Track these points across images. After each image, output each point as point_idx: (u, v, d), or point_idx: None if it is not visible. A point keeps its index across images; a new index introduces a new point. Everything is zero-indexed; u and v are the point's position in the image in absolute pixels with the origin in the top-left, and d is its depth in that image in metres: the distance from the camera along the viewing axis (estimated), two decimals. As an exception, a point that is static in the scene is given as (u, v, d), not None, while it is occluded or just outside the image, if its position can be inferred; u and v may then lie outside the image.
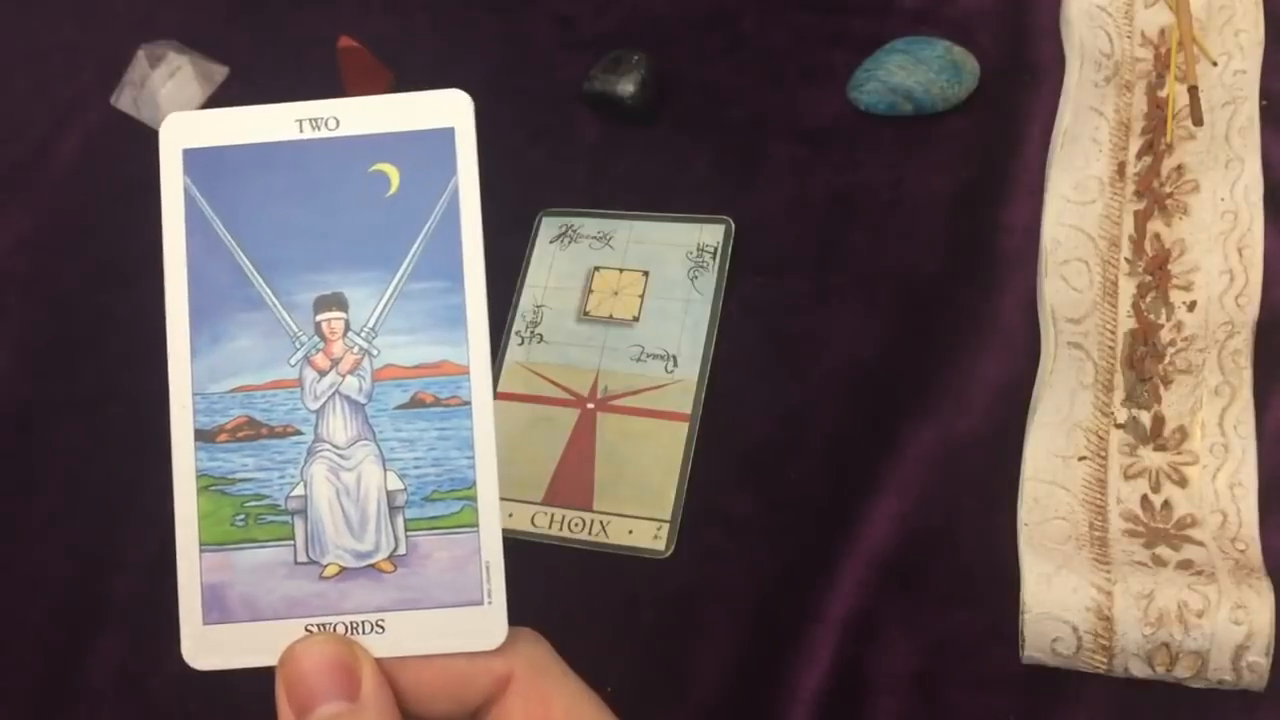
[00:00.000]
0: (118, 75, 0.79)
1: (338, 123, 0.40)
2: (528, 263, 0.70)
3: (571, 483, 0.63)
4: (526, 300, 0.68)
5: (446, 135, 0.40)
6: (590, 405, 0.65)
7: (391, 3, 0.81)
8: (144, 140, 0.76)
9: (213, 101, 0.77)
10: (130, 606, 0.63)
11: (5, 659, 0.62)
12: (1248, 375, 0.59)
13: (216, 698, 0.57)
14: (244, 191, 0.39)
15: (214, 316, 0.39)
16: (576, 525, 0.62)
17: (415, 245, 0.39)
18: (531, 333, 0.67)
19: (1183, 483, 0.57)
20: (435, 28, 0.80)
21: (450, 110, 0.40)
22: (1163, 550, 0.55)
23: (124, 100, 0.78)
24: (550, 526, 0.62)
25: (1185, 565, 0.54)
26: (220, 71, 0.79)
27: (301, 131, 0.40)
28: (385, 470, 0.39)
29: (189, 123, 0.40)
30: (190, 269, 0.39)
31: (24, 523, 0.66)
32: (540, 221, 0.71)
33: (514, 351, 0.67)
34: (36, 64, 0.83)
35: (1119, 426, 0.59)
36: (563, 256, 0.69)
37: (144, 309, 0.69)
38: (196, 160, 0.40)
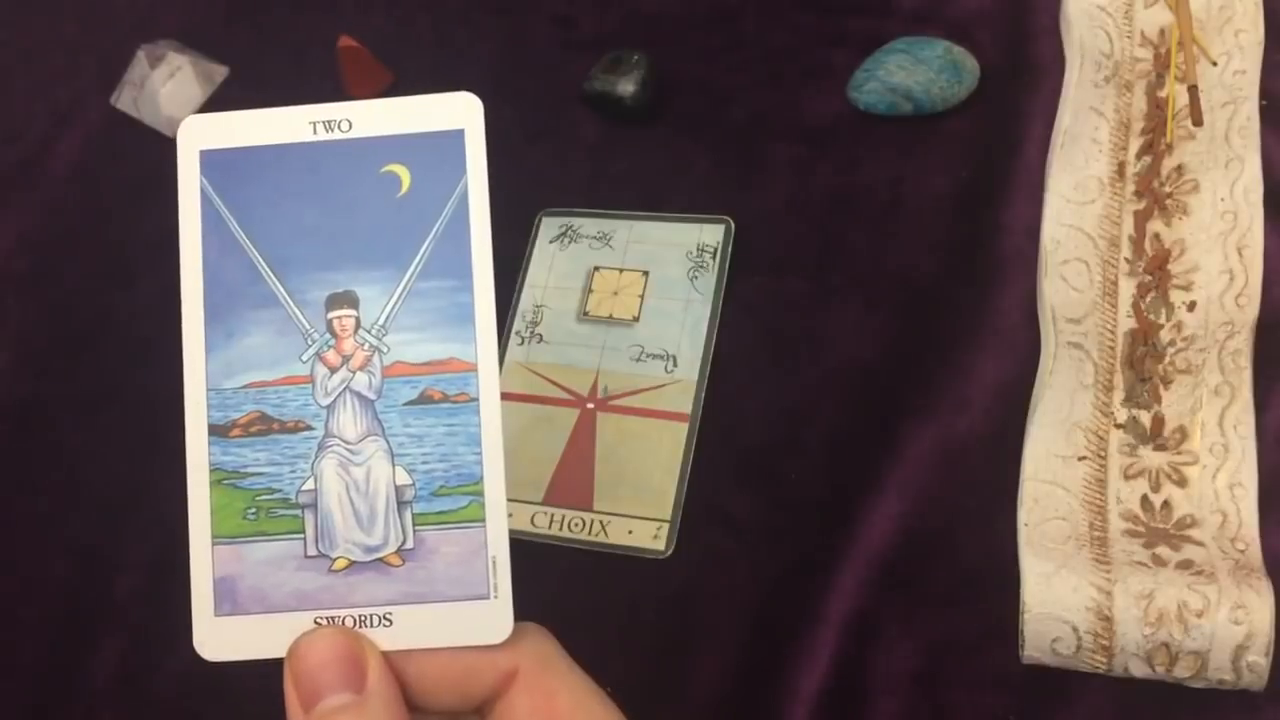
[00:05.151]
0: (118, 75, 0.79)
1: (350, 125, 0.40)
2: (528, 263, 0.70)
3: (571, 483, 0.63)
4: (526, 300, 0.68)
5: (456, 137, 0.40)
6: (590, 405, 0.65)
7: (391, 3, 0.81)
8: (144, 140, 0.77)
9: (213, 101, 0.77)
10: (130, 606, 0.63)
11: (5, 659, 0.62)
12: (1248, 375, 0.59)
13: (217, 697, 0.57)
14: (258, 191, 0.40)
15: (228, 313, 0.40)
16: (576, 525, 0.62)
17: (425, 244, 0.40)
18: (531, 333, 0.67)
19: (1183, 483, 0.57)
20: (435, 28, 0.80)
21: (460, 112, 0.40)
22: (1163, 550, 0.55)
23: (124, 100, 0.78)
24: (550, 526, 0.62)
25: (1185, 565, 0.54)
26: (220, 71, 0.79)
27: (315, 133, 0.40)
28: (394, 465, 0.39)
29: (206, 125, 0.41)
30: (205, 267, 0.40)
31: (24, 523, 0.66)
32: (540, 221, 0.71)
33: (514, 351, 0.67)
34: (36, 64, 0.83)
35: (1119, 426, 0.59)
36: (563, 256, 0.69)
37: (144, 309, 0.70)
38: (213, 161, 0.40)
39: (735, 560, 0.60)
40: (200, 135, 0.41)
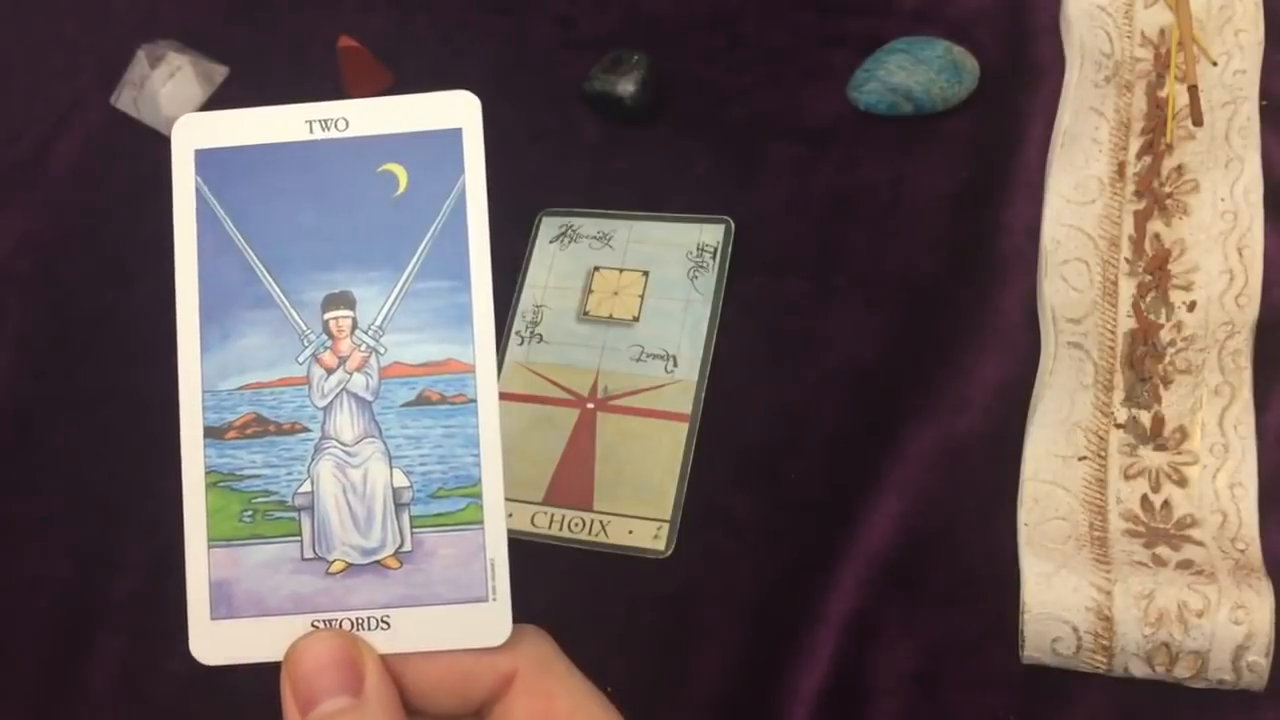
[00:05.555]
0: (118, 75, 0.79)
1: (347, 123, 0.40)
2: (528, 263, 0.70)
3: (571, 483, 0.63)
4: (526, 300, 0.68)
5: (454, 136, 0.40)
6: (590, 405, 0.65)
7: (391, 3, 0.81)
8: (144, 140, 0.77)
9: (213, 101, 0.77)
10: (130, 606, 0.63)
11: (5, 659, 0.62)
12: (1248, 375, 0.59)
13: (217, 698, 0.57)
14: (254, 191, 0.40)
15: (223, 314, 0.39)
16: (576, 525, 0.62)
17: (422, 244, 0.39)
18: (531, 333, 0.67)
19: (1183, 483, 0.57)
20: (435, 28, 0.80)
21: (458, 111, 0.40)
22: (1163, 550, 0.55)
23: (124, 100, 0.78)
24: (550, 526, 0.62)
25: (1185, 565, 0.54)
26: (220, 71, 0.79)
27: (311, 132, 0.40)
28: (391, 467, 0.39)
29: (201, 124, 0.40)
30: (200, 267, 0.40)
31: (24, 523, 0.66)
32: (540, 221, 0.71)
33: (514, 351, 0.67)
34: (36, 64, 0.83)
35: (1119, 426, 0.59)
36: (563, 256, 0.69)
37: (144, 309, 0.70)
38: (208, 160, 0.40)
39: (735, 560, 0.60)
40: (195, 134, 0.40)
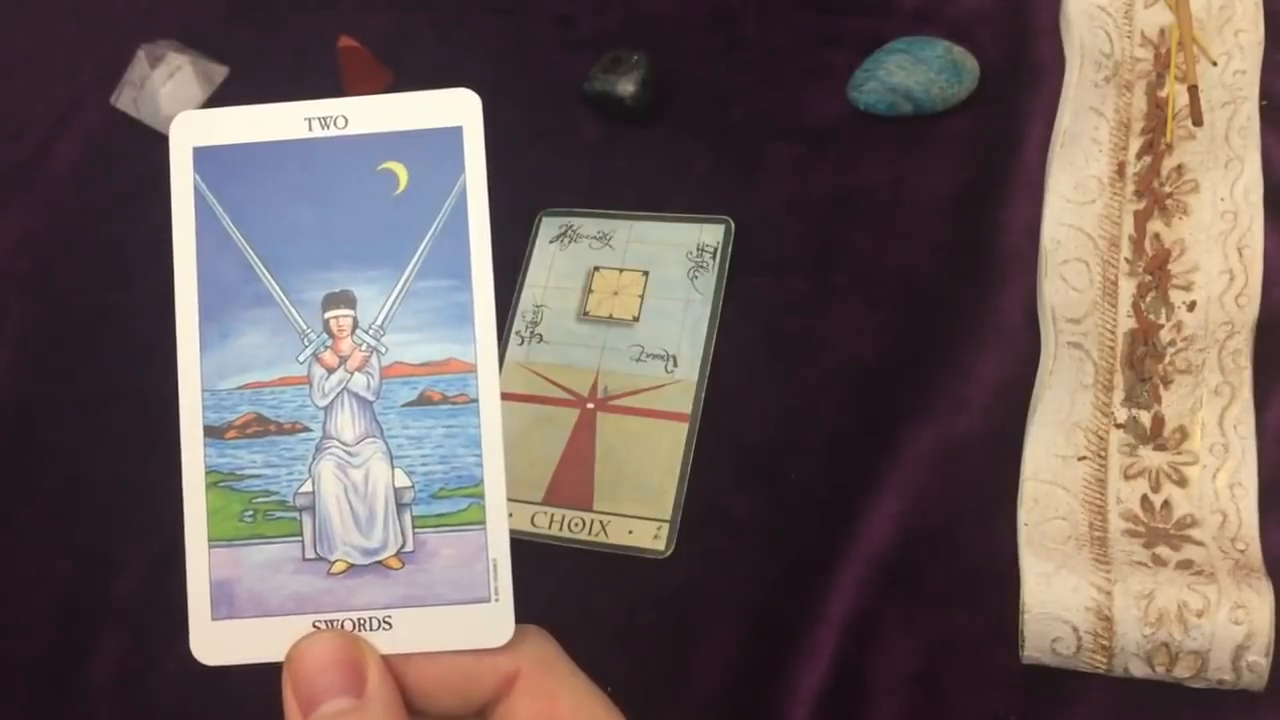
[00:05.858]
0: (118, 75, 0.79)
1: (346, 121, 0.40)
2: (528, 263, 0.70)
3: (571, 483, 0.63)
4: (526, 300, 0.68)
5: (454, 134, 0.40)
6: (590, 405, 0.65)
7: (392, 2, 0.81)
8: (144, 140, 0.77)
9: (213, 101, 0.77)
10: (130, 606, 0.63)
11: (5, 659, 0.62)
12: (1248, 375, 0.59)
13: (217, 698, 0.57)
14: (253, 189, 0.40)
15: (223, 313, 0.39)
16: (576, 525, 0.62)
17: (423, 243, 0.39)
18: (531, 333, 0.67)
19: (1183, 483, 0.57)
20: (435, 28, 0.80)
21: (459, 109, 0.40)
22: (1162, 550, 0.55)
23: (124, 100, 0.78)
24: (550, 526, 0.62)
25: (1185, 565, 0.54)
26: (220, 71, 0.79)
27: (310, 130, 0.40)
28: (393, 467, 0.39)
29: (199, 121, 0.40)
30: (200, 266, 0.39)
31: (25, 523, 0.66)
32: (540, 221, 0.71)
33: (514, 351, 0.67)
34: (36, 64, 0.83)
35: (1119, 426, 0.59)
36: (563, 256, 0.69)
37: (144, 309, 0.70)
38: (206, 158, 0.40)
39: (735, 560, 0.60)
40: (193, 131, 0.40)
